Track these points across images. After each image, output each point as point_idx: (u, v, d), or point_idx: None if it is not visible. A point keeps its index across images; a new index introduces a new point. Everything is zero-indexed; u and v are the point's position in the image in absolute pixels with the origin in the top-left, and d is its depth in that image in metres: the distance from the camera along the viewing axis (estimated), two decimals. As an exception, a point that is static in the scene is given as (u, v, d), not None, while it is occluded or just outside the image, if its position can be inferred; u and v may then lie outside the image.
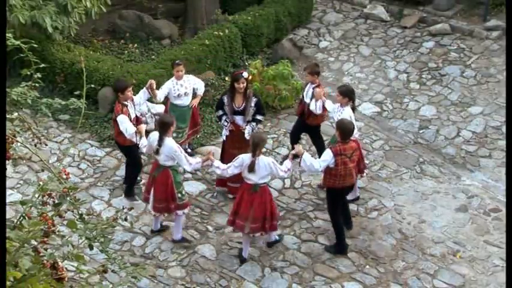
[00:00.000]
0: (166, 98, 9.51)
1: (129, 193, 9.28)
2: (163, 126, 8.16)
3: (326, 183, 8.30)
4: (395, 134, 10.98)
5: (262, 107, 9.17)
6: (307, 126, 9.60)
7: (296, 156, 8.19)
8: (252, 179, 8.01)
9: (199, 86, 9.73)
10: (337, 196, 8.40)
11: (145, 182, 8.89)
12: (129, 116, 8.66)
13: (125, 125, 8.54)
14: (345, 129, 8.00)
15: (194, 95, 9.68)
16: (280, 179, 9.63)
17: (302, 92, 9.80)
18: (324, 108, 9.11)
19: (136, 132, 8.46)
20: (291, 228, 8.96)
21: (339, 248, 8.56)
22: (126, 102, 8.72)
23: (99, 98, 10.68)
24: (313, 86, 9.25)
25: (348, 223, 8.82)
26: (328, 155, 7.99)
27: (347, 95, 8.77)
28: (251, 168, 7.93)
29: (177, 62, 9.67)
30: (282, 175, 8.29)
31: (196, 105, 9.76)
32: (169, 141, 8.17)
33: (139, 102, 9.02)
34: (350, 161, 8.07)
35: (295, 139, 9.71)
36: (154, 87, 9.09)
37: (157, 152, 8.22)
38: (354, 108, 8.89)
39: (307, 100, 9.28)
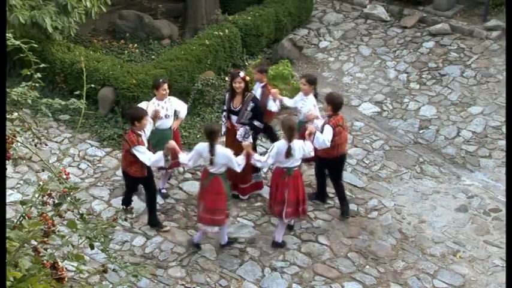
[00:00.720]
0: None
1: (154, 222, 8.86)
2: (212, 135, 7.98)
3: (322, 154, 8.61)
4: (395, 134, 10.98)
5: (262, 114, 9.08)
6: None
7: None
8: (287, 164, 8.18)
9: (182, 108, 9.16)
10: (335, 163, 8.88)
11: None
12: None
13: (147, 155, 8.06)
14: (336, 102, 8.57)
15: (175, 118, 9.14)
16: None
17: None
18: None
19: (164, 154, 8.04)
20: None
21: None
22: (140, 132, 8.16)
23: (99, 98, 10.68)
24: (261, 84, 9.38)
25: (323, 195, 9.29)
26: (329, 129, 8.44)
27: (313, 83, 9.15)
28: (289, 153, 8.08)
29: (161, 80, 8.96)
30: (311, 154, 8.42)
31: (177, 128, 9.22)
32: (221, 149, 8.11)
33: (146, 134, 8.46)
34: (343, 130, 8.69)
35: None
36: (160, 115, 8.69)
37: (211, 162, 8.04)
38: (316, 95, 9.29)
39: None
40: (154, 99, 8.93)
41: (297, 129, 8.65)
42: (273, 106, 9.31)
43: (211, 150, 7.97)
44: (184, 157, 8.25)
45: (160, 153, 8.04)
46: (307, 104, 9.05)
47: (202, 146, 8.10)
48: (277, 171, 8.39)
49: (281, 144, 8.16)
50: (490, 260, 8.56)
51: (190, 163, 8.26)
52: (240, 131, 8.96)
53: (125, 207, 8.81)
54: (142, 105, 8.77)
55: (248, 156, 8.22)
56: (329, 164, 8.89)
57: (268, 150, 8.33)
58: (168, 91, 8.90)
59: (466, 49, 12.73)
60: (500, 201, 9.49)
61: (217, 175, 8.14)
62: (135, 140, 8.04)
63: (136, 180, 8.52)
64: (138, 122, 8.07)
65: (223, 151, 8.08)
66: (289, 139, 8.08)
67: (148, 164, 8.16)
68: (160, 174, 9.36)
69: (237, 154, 8.94)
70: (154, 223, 8.84)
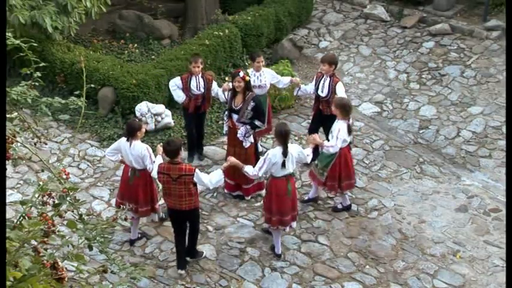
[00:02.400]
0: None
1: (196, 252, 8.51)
2: (285, 136, 7.85)
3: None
4: (395, 134, 10.98)
5: (263, 113, 9.11)
6: None
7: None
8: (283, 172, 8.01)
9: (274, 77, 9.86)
10: (170, 213, 8.22)
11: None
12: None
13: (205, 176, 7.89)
14: (345, 107, 8.41)
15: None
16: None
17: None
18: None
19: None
20: (291, 228, 8.95)
21: None
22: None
23: (99, 98, 10.68)
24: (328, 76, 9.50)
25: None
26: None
27: (333, 63, 9.27)
28: (284, 163, 7.92)
29: (256, 53, 10.00)
30: (308, 159, 8.32)
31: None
32: (295, 147, 8.08)
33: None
34: None
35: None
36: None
37: (284, 164, 7.88)
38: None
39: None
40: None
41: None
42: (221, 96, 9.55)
43: (285, 151, 7.83)
44: (250, 169, 7.98)
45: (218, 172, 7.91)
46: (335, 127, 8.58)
47: (274, 153, 7.85)
48: (275, 181, 8.04)
49: (276, 152, 7.89)
50: (490, 260, 8.56)
51: (261, 173, 8.02)
52: (241, 130, 8.97)
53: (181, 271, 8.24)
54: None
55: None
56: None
57: (261, 160, 7.98)
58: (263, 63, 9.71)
59: (466, 49, 12.73)
60: (500, 201, 9.49)
61: (290, 175, 8.11)
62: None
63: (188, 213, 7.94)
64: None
65: (298, 149, 8.08)
66: (284, 146, 7.86)
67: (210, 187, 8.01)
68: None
69: (238, 153, 8.96)
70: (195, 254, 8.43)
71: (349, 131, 8.54)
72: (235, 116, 9.04)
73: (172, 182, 7.62)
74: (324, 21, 13.94)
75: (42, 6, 10.28)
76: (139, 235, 8.68)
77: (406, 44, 13.06)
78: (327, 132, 9.24)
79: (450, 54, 12.64)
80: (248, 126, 8.99)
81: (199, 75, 9.47)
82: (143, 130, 8.14)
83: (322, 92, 9.42)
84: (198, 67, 9.38)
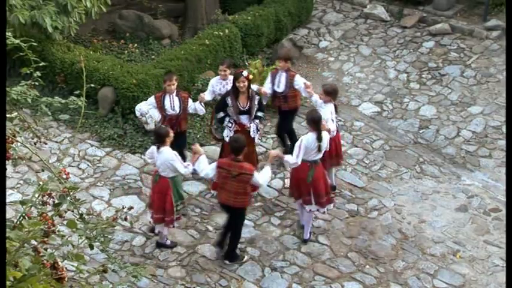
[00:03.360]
0: None
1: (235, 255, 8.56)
2: (318, 121, 8.18)
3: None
4: (395, 134, 10.98)
5: (262, 103, 9.25)
6: None
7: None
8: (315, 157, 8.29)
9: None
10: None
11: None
12: None
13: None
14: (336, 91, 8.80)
15: None
16: (281, 179, 9.70)
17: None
18: None
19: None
20: (291, 228, 8.96)
21: None
22: None
23: (99, 98, 10.67)
24: (284, 71, 9.56)
25: None
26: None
27: (329, 93, 8.95)
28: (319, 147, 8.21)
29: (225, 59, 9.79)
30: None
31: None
32: (326, 134, 8.39)
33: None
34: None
35: None
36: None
37: (319, 148, 8.23)
38: (336, 107, 9.09)
39: None
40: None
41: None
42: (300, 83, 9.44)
43: (319, 137, 8.13)
44: (289, 158, 8.22)
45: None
46: (324, 112, 8.71)
47: (308, 138, 8.17)
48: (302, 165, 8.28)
49: (309, 137, 8.19)
50: (490, 260, 8.56)
51: (299, 160, 8.21)
52: (252, 127, 9.01)
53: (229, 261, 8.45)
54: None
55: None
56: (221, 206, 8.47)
57: (296, 147, 8.21)
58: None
59: (466, 49, 12.73)
60: (500, 201, 9.49)
61: (315, 162, 8.36)
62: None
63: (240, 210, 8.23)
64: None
65: (326, 135, 8.28)
66: (318, 131, 8.14)
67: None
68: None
69: (245, 154, 8.96)
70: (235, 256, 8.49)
71: (336, 111, 8.99)
72: (244, 117, 8.97)
73: (231, 178, 7.85)
74: (324, 21, 13.93)
75: (42, 6, 10.27)
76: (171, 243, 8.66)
77: (406, 43, 13.06)
78: (282, 127, 9.84)
79: (450, 54, 12.64)
80: (257, 121, 9.06)
81: (174, 94, 9.03)
82: (171, 135, 8.19)
83: (278, 87, 9.56)
84: (173, 85, 8.92)
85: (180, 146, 9.20)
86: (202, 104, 9.31)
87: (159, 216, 8.23)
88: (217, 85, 9.40)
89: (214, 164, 8.03)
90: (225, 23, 12.17)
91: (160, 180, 8.15)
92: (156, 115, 9.18)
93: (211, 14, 12.71)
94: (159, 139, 8.10)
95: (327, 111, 8.76)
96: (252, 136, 9.07)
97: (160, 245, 8.60)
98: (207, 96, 9.38)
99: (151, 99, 9.18)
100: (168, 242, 8.60)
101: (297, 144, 8.23)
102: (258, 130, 9.20)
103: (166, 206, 8.17)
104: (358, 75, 12.40)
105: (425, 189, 9.75)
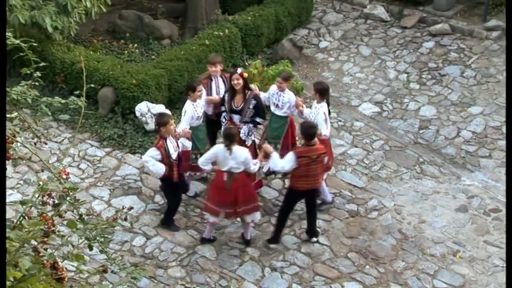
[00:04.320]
0: None
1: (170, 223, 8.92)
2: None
3: (293, 184, 8.44)
4: (395, 134, 10.98)
5: (263, 110, 9.08)
6: None
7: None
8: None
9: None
10: (295, 196, 8.55)
11: None
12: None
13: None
14: (308, 132, 8.10)
15: None
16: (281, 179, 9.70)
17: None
18: None
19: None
20: (291, 228, 8.96)
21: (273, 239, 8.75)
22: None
23: (99, 98, 10.67)
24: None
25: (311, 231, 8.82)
26: (290, 157, 8.13)
27: (319, 92, 8.87)
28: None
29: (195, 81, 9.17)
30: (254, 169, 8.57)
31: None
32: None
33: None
34: (316, 163, 8.15)
35: None
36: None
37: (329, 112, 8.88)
38: (328, 104, 9.02)
39: None
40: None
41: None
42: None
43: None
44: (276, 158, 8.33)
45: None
46: (319, 115, 8.71)
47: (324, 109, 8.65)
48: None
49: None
50: (490, 260, 8.56)
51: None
52: (244, 129, 8.94)
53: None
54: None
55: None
56: (299, 196, 8.53)
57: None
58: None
59: (466, 49, 12.73)
60: (500, 201, 9.49)
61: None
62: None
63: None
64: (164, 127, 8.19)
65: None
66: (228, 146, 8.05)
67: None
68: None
69: None
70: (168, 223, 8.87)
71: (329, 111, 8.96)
72: (236, 117, 8.98)
73: (312, 163, 8.09)
74: (324, 21, 13.93)
75: (42, 6, 10.26)
76: (212, 237, 8.73)
77: (406, 44, 13.06)
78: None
79: (450, 54, 12.64)
80: (251, 125, 8.97)
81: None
82: (240, 134, 8.41)
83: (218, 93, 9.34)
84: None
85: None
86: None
87: (248, 207, 8.30)
88: (192, 107, 9.00)
89: (290, 156, 8.09)
90: (225, 23, 12.17)
91: (236, 177, 8.14)
92: (162, 167, 8.27)
93: (211, 14, 12.71)
94: (230, 139, 8.07)
95: (321, 113, 8.70)
96: (242, 138, 8.93)
97: (247, 242, 8.68)
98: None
99: (152, 152, 8.31)
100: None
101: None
102: (249, 134, 8.99)
103: (253, 194, 8.44)
104: (358, 75, 12.40)
105: (425, 189, 9.75)
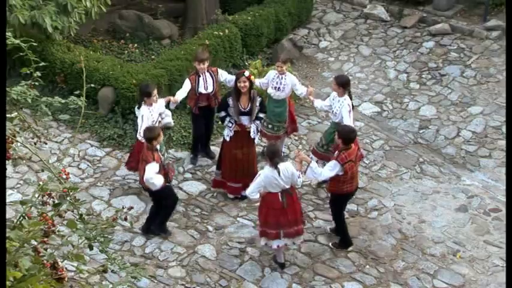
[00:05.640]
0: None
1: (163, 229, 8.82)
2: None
3: (332, 189, 8.33)
4: (395, 134, 10.98)
5: (264, 104, 9.20)
6: None
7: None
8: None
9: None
10: (344, 200, 8.51)
11: None
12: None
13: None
14: (348, 136, 7.98)
15: None
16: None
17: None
18: None
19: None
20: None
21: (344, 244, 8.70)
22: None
23: (99, 98, 10.67)
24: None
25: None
26: (334, 166, 7.97)
27: (342, 85, 8.90)
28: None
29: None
30: (298, 184, 8.45)
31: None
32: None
33: None
34: (355, 163, 8.16)
35: None
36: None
37: None
38: (350, 96, 9.08)
39: None
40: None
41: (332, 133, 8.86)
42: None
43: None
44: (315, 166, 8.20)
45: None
46: (344, 105, 8.79)
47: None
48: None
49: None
50: (490, 260, 8.56)
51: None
52: (253, 128, 8.98)
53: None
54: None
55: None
56: (337, 201, 8.50)
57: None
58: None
59: (466, 49, 12.73)
60: (500, 201, 9.49)
61: None
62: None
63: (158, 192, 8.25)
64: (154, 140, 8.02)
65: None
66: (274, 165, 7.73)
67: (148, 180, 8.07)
68: None
69: (246, 153, 8.98)
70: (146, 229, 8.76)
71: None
72: (244, 118, 8.94)
73: (354, 165, 8.13)
74: (324, 21, 13.93)
75: (42, 6, 10.26)
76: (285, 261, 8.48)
77: (406, 44, 13.06)
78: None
79: (450, 54, 12.64)
80: (258, 122, 9.02)
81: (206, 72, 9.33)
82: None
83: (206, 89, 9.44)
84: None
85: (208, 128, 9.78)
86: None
87: (297, 228, 8.06)
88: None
89: (333, 164, 7.91)
90: (225, 23, 12.16)
91: (290, 192, 7.94)
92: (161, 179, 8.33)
93: (211, 14, 12.70)
94: (277, 155, 7.79)
95: (345, 106, 8.79)
96: (252, 137, 9.05)
97: (282, 265, 8.37)
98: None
99: (154, 167, 8.22)
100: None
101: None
102: (258, 131, 9.15)
103: (300, 213, 8.17)
104: (358, 75, 12.40)
105: (425, 189, 9.75)
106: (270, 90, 9.50)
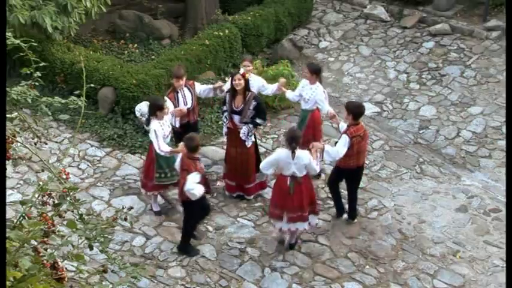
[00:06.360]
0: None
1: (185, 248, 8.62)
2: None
3: (340, 164, 8.58)
4: (395, 134, 10.98)
5: (264, 111, 9.05)
6: None
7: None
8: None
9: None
10: (353, 174, 8.76)
11: None
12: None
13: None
14: (356, 111, 8.35)
15: None
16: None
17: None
18: None
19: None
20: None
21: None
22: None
23: (99, 98, 10.68)
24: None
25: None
26: (345, 140, 8.27)
27: (315, 72, 9.17)
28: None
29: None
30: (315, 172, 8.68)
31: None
32: None
33: None
34: (363, 140, 8.48)
35: None
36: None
37: None
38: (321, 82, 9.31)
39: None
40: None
41: (303, 119, 9.21)
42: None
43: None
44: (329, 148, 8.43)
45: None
46: (317, 93, 9.12)
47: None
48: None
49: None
50: (490, 260, 8.56)
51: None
52: (243, 130, 8.92)
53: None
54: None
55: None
56: (347, 174, 8.73)
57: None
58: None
59: (466, 49, 12.73)
60: (500, 201, 9.49)
61: None
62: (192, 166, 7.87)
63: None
64: (194, 151, 7.93)
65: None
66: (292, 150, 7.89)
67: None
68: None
69: (239, 153, 8.97)
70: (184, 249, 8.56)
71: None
72: (236, 117, 8.97)
73: (361, 140, 8.37)
74: (324, 21, 13.94)
75: (42, 6, 10.27)
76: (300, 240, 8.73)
77: (406, 44, 13.06)
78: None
79: (450, 54, 12.64)
80: (251, 125, 8.95)
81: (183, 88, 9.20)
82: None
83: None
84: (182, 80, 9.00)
85: None
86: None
87: (302, 214, 8.22)
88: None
89: (344, 139, 8.20)
90: (225, 23, 12.17)
91: (300, 181, 8.04)
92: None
93: (211, 14, 12.71)
94: (297, 141, 7.89)
95: (320, 92, 9.13)
96: (242, 139, 8.94)
97: (291, 246, 8.62)
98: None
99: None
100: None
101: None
102: (249, 135, 8.94)
103: (314, 195, 8.48)
104: (358, 75, 12.40)
105: (425, 189, 9.75)
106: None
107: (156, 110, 8.41)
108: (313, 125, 9.36)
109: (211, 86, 9.45)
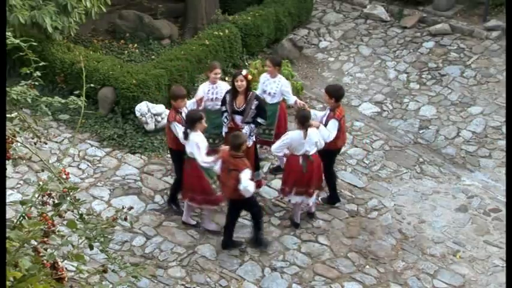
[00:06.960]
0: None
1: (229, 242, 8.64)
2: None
3: (326, 146, 8.73)
4: (395, 134, 10.98)
5: (265, 110, 9.01)
6: None
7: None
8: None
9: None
10: (333, 155, 9.11)
11: None
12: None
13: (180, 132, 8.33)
14: (339, 93, 8.70)
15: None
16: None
17: None
18: None
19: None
20: (291, 229, 8.95)
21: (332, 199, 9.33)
22: (180, 110, 8.54)
23: (99, 98, 10.67)
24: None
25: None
26: (335, 124, 8.58)
27: (278, 64, 9.45)
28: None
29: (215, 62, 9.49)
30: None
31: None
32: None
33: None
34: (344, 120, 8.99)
35: None
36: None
37: None
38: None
39: None
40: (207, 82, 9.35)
41: (273, 114, 9.34)
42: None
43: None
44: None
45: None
46: (282, 84, 9.36)
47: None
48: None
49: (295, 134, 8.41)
50: (490, 260, 8.56)
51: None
52: (245, 130, 8.91)
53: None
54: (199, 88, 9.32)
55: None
56: (329, 155, 8.96)
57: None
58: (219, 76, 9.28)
59: (466, 49, 12.73)
60: (500, 201, 9.49)
61: None
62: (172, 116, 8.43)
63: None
64: (175, 102, 8.46)
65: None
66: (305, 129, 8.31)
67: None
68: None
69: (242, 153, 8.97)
70: (228, 243, 8.62)
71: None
72: (237, 117, 8.94)
73: (345, 120, 8.94)
74: (324, 21, 13.94)
75: (42, 6, 10.26)
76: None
77: (406, 44, 13.07)
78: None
79: (450, 54, 12.64)
80: (252, 125, 8.95)
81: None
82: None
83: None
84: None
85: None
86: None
87: (309, 189, 8.58)
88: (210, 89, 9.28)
89: (333, 122, 8.53)
90: (225, 23, 12.17)
91: (312, 159, 8.45)
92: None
93: (211, 14, 12.71)
94: (308, 120, 8.35)
95: (285, 83, 9.41)
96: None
97: (296, 225, 8.97)
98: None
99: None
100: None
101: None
102: (251, 134, 8.92)
103: (321, 174, 8.80)
104: (358, 75, 12.40)
105: (425, 189, 9.75)
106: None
107: (196, 121, 8.17)
108: (284, 116, 9.67)
109: (194, 100, 9.21)
